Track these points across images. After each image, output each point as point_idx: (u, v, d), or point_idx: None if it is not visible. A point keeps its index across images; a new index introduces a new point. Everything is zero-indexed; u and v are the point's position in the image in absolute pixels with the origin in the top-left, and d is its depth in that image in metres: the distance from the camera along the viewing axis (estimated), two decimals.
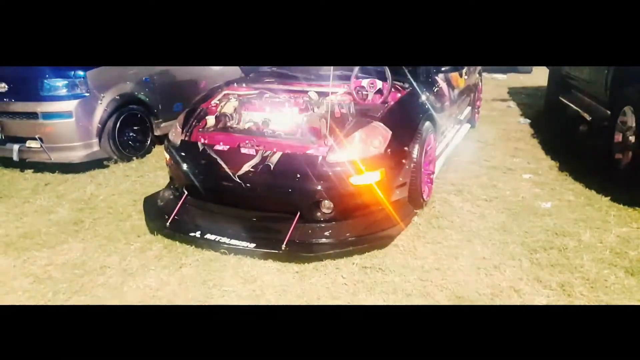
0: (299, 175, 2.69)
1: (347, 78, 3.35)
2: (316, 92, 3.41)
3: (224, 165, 2.82)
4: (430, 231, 2.99)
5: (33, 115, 4.12)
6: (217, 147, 2.92)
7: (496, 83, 8.95)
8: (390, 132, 2.82)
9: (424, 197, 3.24)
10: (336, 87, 3.39)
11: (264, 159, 2.78)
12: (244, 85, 3.68)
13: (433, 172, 3.48)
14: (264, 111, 3.29)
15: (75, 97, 4.15)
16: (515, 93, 7.87)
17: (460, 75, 4.41)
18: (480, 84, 5.68)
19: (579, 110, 4.73)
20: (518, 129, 5.54)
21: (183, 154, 3.03)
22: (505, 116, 6.20)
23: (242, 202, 2.88)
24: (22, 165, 4.36)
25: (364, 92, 3.34)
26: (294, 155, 2.77)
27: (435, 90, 3.62)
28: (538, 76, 9.09)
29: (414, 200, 3.13)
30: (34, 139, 4.15)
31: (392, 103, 3.16)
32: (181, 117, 3.31)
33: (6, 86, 4.23)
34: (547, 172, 4.00)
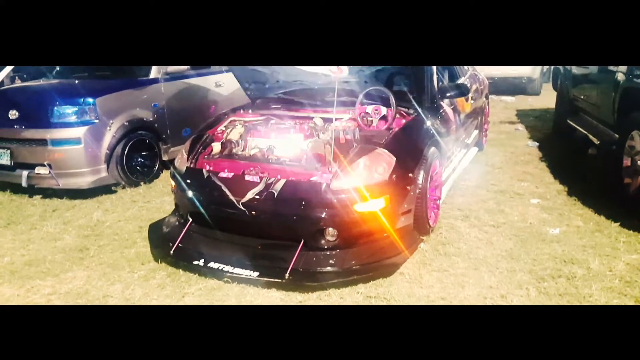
0: (302, 203, 2.68)
1: (352, 104, 3.37)
2: (321, 118, 3.43)
3: (228, 193, 2.82)
4: (436, 258, 2.95)
5: (42, 142, 4.18)
6: (222, 174, 2.93)
7: (504, 105, 8.92)
8: (395, 159, 2.81)
9: (430, 223, 3.21)
10: (341, 114, 3.40)
11: (267, 186, 2.78)
12: (250, 111, 3.71)
13: (439, 198, 3.45)
14: (269, 137, 3.31)
15: (84, 123, 4.20)
16: (523, 115, 7.84)
17: (467, 100, 4.41)
18: (487, 107, 5.67)
19: (587, 133, 4.69)
20: (526, 152, 5.50)
21: (188, 180, 3.04)
22: (513, 139, 6.17)
23: (246, 230, 2.87)
24: (31, 191, 4.41)
25: (369, 118, 3.34)
26: (298, 182, 2.76)
27: (440, 116, 3.62)
28: (546, 98, 9.07)
29: (420, 226, 3.10)
30: (43, 165, 4.20)
31: (396, 129, 3.16)
32: (187, 143, 3.34)
33: (17, 113, 4.31)
34: (556, 197, 3.95)
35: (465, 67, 5.20)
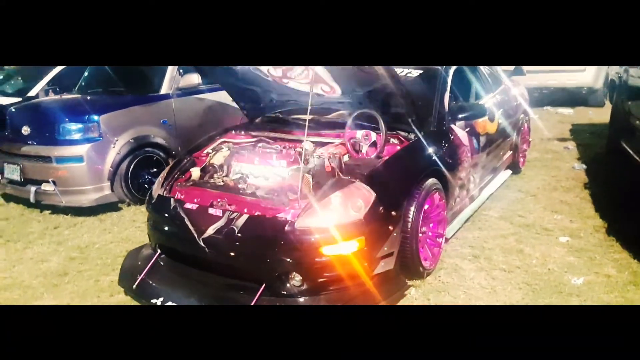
0: (263, 242, 2.39)
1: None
2: (313, 142, 3.12)
3: (190, 226, 2.58)
4: None
5: (48, 159, 4.18)
6: (187, 206, 2.69)
7: (559, 118, 8.10)
8: (374, 195, 2.45)
9: (426, 265, 2.80)
10: (333, 138, 3.08)
11: (229, 221, 2.50)
12: (242, 132, 3.47)
13: (442, 235, 3.02)
14: (253, 163, 3.04)
15: (88, 140, 4.16)
16: (578, 131, 7.04)
17: (492, 120, 3.91)
18: (525, 124, 5.08)
19: None
20: (570, 176, 4.85)
21: (157, 209, 2.84)
22: (558, 160, 5.49)
23: (209, 267, 2.62)
24: (42, 206, 4.42)
25: (362, 144, 2.99)
26: (262, 218, 2.47)
27: (448, 141, 3.18)
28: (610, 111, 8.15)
29: (411, 270, 2.71)
30: (49, 182, 4.20)
31: (386, 157, 2.79)
32: (167, 167, 3.15)
33: (29, 129, 4.34)
34: (590, 235, 3.37)
35: (500, 79, 4.69)
